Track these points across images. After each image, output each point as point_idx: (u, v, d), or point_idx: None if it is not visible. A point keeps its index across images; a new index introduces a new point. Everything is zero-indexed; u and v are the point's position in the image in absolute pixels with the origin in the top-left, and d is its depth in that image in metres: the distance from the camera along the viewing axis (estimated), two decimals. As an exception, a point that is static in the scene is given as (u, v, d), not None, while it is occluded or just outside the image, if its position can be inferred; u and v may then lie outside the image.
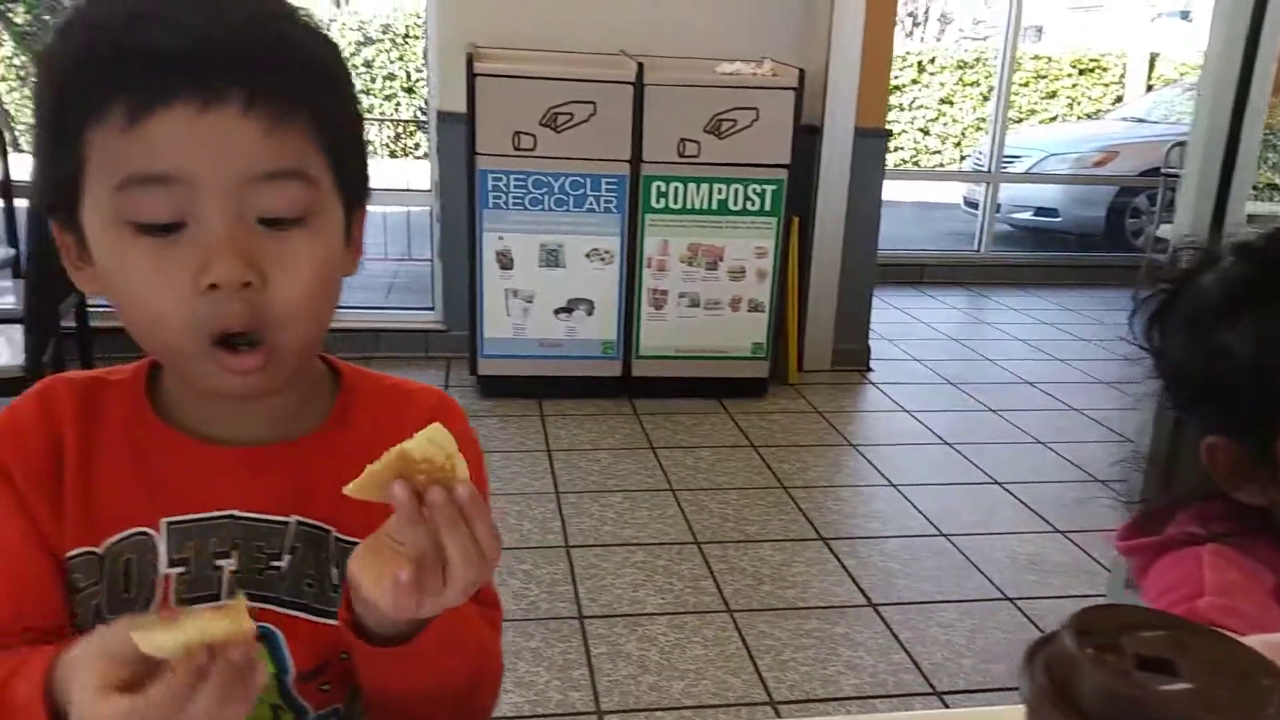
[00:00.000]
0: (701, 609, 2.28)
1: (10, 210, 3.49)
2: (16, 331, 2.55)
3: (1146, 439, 1.93)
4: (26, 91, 10.13)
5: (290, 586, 0.71)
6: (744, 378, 3.71)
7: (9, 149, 3.54)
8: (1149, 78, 10.93)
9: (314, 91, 0.64)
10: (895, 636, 2.21)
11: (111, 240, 0.62)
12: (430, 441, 0.57)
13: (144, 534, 0.70)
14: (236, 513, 0.71)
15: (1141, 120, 7.59)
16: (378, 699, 0.71)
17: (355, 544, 0.72)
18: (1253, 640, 0.47)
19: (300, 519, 0.72)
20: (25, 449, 0.69)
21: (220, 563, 0.71)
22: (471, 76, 3.28)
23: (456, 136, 3.53)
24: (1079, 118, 10.56)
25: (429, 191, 4.06)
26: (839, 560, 2.54)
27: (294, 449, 0.73)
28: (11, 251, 3.39)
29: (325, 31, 0.68)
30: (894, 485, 3.02)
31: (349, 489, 0.57)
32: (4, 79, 10.24)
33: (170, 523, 0.70)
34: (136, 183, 0.60)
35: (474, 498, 0.58)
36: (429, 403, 0.80)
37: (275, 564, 0.71)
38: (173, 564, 0.70)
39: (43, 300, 2.36)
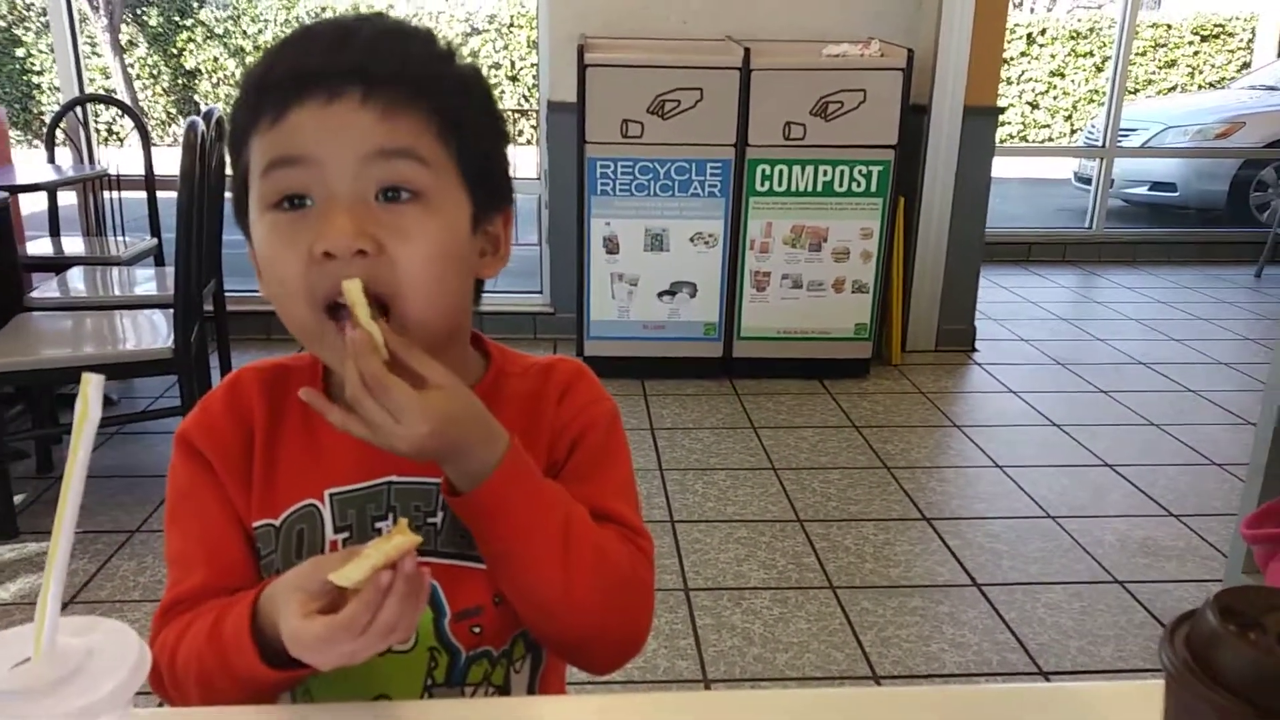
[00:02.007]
0: (804, 585, 2.34)
1: (153, 201, 3.76)
2: (162, 316, 2.78)
3: (1270, 423, 1.89)
4: (159, 88, 10.72)
5: (446, 538, 0.80)
6: (846, 359, 3.73)
7: (149, 144, 3.80)
8: (1280, 42, 10.31)
9: (431, 89, 0.73)
10: (1000, 616, 2.23)
11: (260, 224, 0.73)
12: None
13: (312, 505, 0.80)
14: (394, 478, 0.80)
15: (1271, 88, 7.19)
16: (513, 594, 0.78)
17: None
18: None
19: None
20: (219, 439, 0.81)
21: (380, 525, 0.80)
22: (582, 67, 3.38)
23: (565, 125, 3.63)
24: (1200, 87, 10.05)
25: (535, 179, 4.18)
26: (943, 540, 2.56)
27: None
28: (154, 241, 3.66)
29: (450, 46, 0.77)
30: (999, 466, 3.01)
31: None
32: (139, 77, 10.86)
33: (332, 494, 0.80)
34: (275, 165, 0.71)
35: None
36: (566, 372, 0.88)
37: (431, 520, 0.80)
38: (337, 530, 0.80)
39: (188, 286, 2.55)
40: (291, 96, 0.70)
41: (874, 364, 3.81)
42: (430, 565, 0.79)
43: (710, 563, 2.42)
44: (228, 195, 0.82)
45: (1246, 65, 10.10)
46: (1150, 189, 6.60)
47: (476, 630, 0.81)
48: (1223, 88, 9.32)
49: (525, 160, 5.92)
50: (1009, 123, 10.37)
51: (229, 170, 0.78)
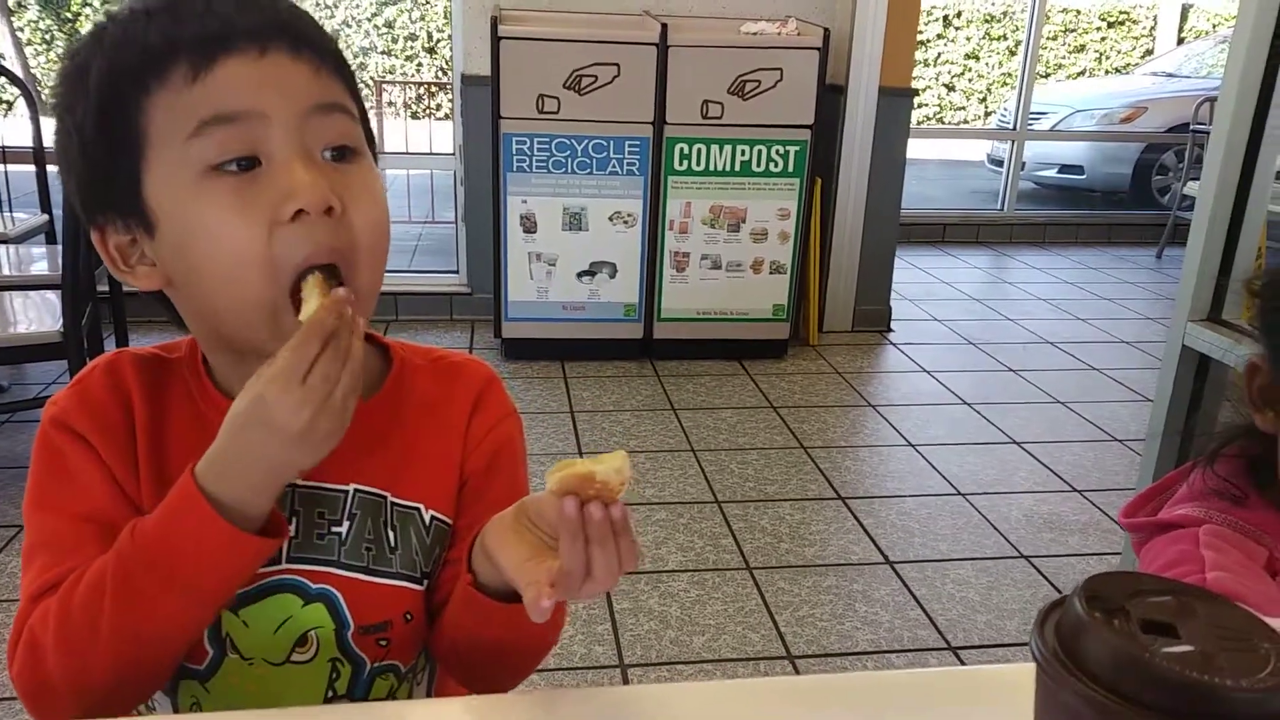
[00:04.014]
0: (722, 566, 2.34)
1: (43, 176, 3.56)
2: (54, 296, 2.63)
3: (1165, 399, 1.95)
4: (52, 56, 10.18)
5: (350, 550, 0.76)
6: (765, 339, 3.75)
7: (40, 114, 3.59)
8: (1180, 30, 10.69)
9: (333, 49, 0.70)
10: (911, 593, 2.27)
11: (187, 195, 0.65)
12: (614, 470, 0.63)
13: None
14: (298, 482, 0.75)
15: (1171, 75, 7.46)
16: (468, 643, 0.75)
17: (412, 508, 0.77)
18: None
19: (358, 486, 0.77)
20: (102, 420, 0.74)
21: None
22: (496, 40, 3.30)
23: (481, 100, 3.55)
24: (1107, 72, 10.37)
25: (452, 155, 4.09)
26: (857, 519, 2.59)
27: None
28: (45, 218, 3.46)
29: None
30: (912, 445, 3.06)
31: (552, 486, 0.63)
32: (30, 43, 10.29)
33: None
34: (210, 124, 0.64)
35: (625, 516, 0.64)
36: (478, 376, 0.84)
37: (336, 529, 0.76)
38: None
39: (79, 265, 2.42)
40: (217, 50, 0.64)
41: (792, 344, 3.84)
42: (334, 578, 0.75)
43: (627, 546, 2.41)
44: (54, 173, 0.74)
45: (1150, 52, 10.46)
46: (1059, 171, 6.79)
47: (384, 644, 0.78)
48: (1127, 73, 9.63)
49: (442, 135, 5.79)
50: (926, 105, 10.55)
51: (70, 154, 0.69)
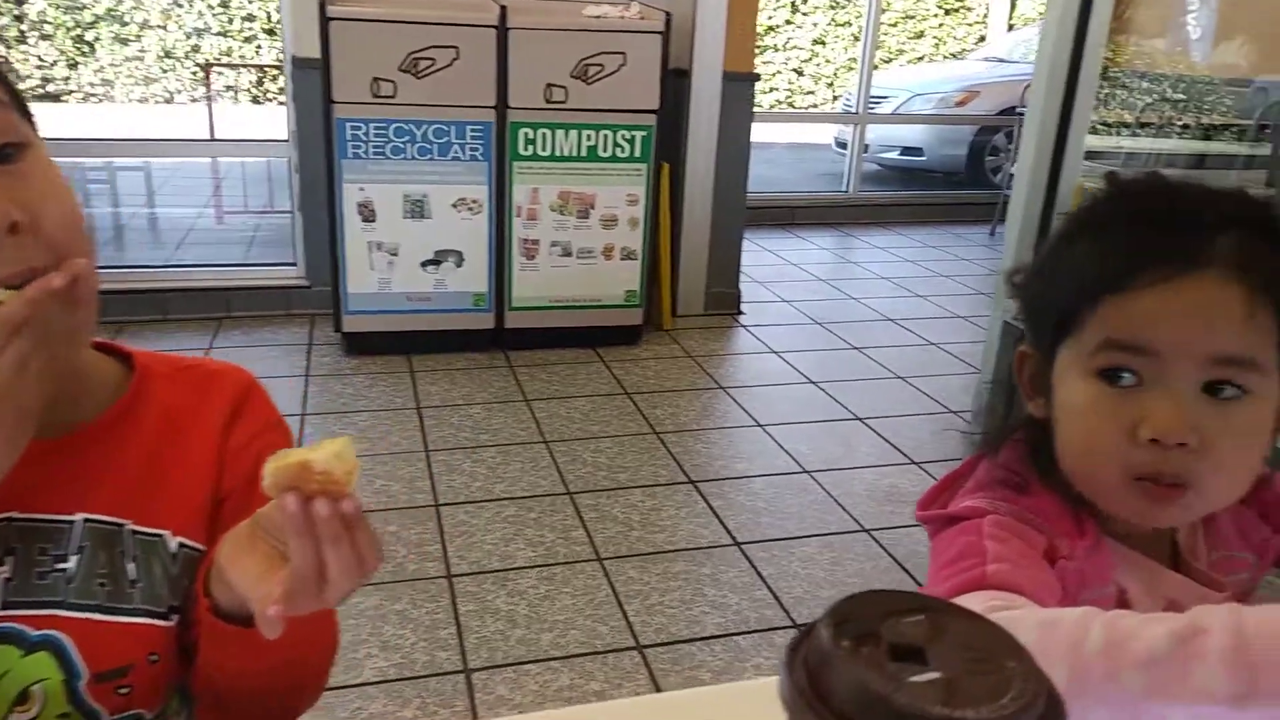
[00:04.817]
0: (572, 559, 2.31)
1: None
2: None
3: (989, 371, 2.03)
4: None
5: (80, 588, 0.68)
6: (618, 326, 3.73)
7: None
8: (1010, 17, 11.28)
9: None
10: (759, 573, 2.29)
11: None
12: (335, 456, 0.57)
13: None
14: (15, 515, 0.67)
15: (1002, 60, 7.84)
16: (221, 677, 0.70)
17: (155, 535, 0.70)
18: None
19: (88, 516, 0.69)
20: None
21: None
22: (325, 20, 3.14)
23: (314, 84, 3.37)
24: (945, 58, 10.84)
25: (285, 142, 3.89)
26: (707, 502, 2.61)
27: (74, 441, 0.70)
28: None
29: None
30: (761, 426, 3.11)
31: (267, 483, 0.57)
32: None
33: None
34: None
35: (358, 510, 0.58)
36: (236, 386, 0.78)
37: (61, 565, 0.68)
38: None
39: None
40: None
41: (646, 330, 3.84)
42: (60, 621, 0.67)
43: (476, 545, 2.35)
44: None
45: (983, 39, 11.00)
46: (901, 153, 7.04)
47: (124, 691, 0.70)
48: (962, 59, 10.09)
49: (276, 120, 5.52)
50: (776, 89, 10.77)
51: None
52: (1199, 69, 6.59)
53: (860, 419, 3.18)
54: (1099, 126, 6.23)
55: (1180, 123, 5.91)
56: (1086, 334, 0.68)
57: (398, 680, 1.88)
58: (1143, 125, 6.03)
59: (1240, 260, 0.65)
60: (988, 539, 0.68)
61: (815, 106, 10.90)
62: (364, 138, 3.29)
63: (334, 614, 0.75)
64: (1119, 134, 6.13)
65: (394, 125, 3.29)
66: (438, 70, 3.27)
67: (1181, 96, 6.27)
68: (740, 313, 4.21)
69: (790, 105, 10.92)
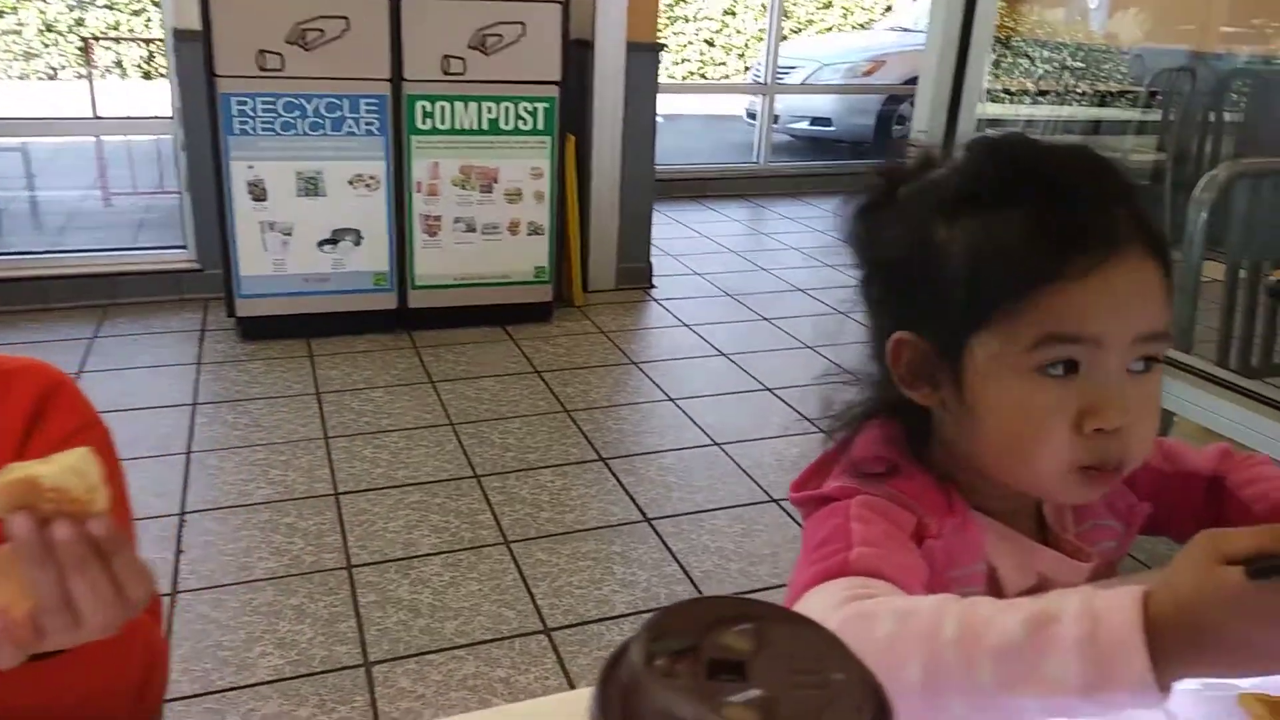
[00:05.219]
0: (478, 544, 2.25)
1: None
2: None
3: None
4: None
5: None
6: (528, 303, 3.66)
7: None
8: (915, -13, 11.42)
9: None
10: (669, 549, 2.27)
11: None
12: (71, 470, 0.49)
13: None
14: None
15: (908, 29, 7.93)
16: (8, 716, 0.63)
17: None
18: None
19: None
20: None
21: None
22: (201, -12, 2.98)
23: (197, 57, 3.20)
24: (852, 27, 10.93)
25: (170, 119, 3.69)
26: (618, 479, 2.58)
27: None
28: None
29: None
30: (672, 400, 3.09)
31: None
32: None
33: None
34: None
35: (110, 532, 0.51)
36: (36, 385, 0.70)
37: None
38: None
39: None
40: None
41: (557, 306, 3.77)
42: None
43: (378, 534, 2.27)
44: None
45: (890, 8, 11.11)
46: (810, 124, 7.08)
47: None
48: (869, 28, 10.18)
49: (159, 96, 5.26)
50: (688, 60, 10.72)
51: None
52: (1096, 37, 6.77)
53: (770, 390, 3.19)
54: (1001, 95, 6.36)
55: (1079, 90, 6.06)
56: (1020, 328, 0.64)
57: (294, 678, 1.81)
58: (1042, 93, 6.17)
59: (1144, 235, 0.65)
60: (854, 520, 0.66)
61: (727, 78, 10.89)
62: (251, 113, 3.14)
63: (149, 633, 0.68)
64: (1021, 102, 6.26)
65: (283, 99, 3.15)
66: (328, 41, 3.13)
67: (1080, 65, 6.43)
68: (652, 286, 4.17)
69: (702, 76, 10.89)
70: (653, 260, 4.23)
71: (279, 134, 3.17)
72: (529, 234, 3.56)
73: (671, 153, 6.44)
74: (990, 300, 0.65)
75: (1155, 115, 5.41)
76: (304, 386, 3.03)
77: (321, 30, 3.11)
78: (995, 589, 0.70)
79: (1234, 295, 1.88)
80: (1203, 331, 1.95)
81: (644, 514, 2.42)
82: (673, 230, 4.99)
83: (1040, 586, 0.71)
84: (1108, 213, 0.65)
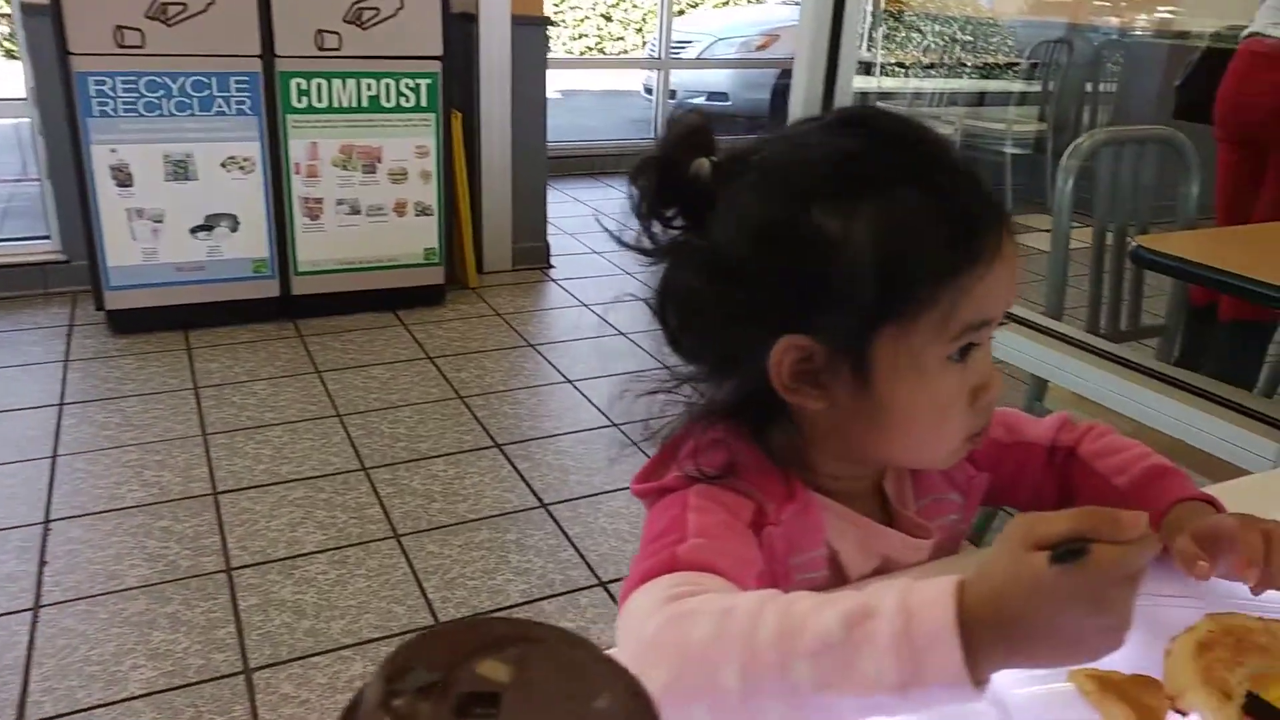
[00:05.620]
0: (366, 539, 2.18)
1: None
2: None
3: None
4: None
5: None
6: (419, 286, 3.56)
7: None
8: (809, -38, 11.50)
9: None
10: (565, 534, 2.24)
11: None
12: None
13: None
14: None
15: (800, 4, 7.98)
16: None
17: None
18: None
19: None
20: None
21: None
22: (45, -42, 2.78)
23: (49, 34, 2.99)
24: (747, 2, 10.96)
25: (24, 100, 3.45)
26: (513, 465, 2.53)
27: None
28: None
29: None
30: (570, 381, 3.05)
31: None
32: None
33: None
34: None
35: None
36: None
37: None
38: None
39: None
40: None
41: (451, 289, 3.68)
42: None
43: (259, 533, 2.18)
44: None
45: (784, -17, 11.18)
46: (707, 99, 7.07)
47: None
48: (761, 3, 10.23)
49: (11, 77, 4.93)
50: (586, 35, 10.60)
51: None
52: (984, 11, 6.93)
53: (668, 368, 3.16)
54: (894, 68, 6.46)
55: (965, 64, 6.19)
56: (934, 318, 0.60)
57: (168, 690, 1.71)
58: (930, 66, 6.28)
59: (1004, 210, 0.63)
60: (691, 511, 0.63)
61: (625, 53, 10.81)
62: (111, 93, 2.95)
63: None
64: (910, 75, 6.37)
65: (145, 78, 2.97)
66: (191, 16, 2.96)
67: (970, 38, 6.58)
68: (550, 266, 4.11)
69: (601, 51, 10.79)
70: (550, 240, 4.17)
71: (143, 115, 3.00)
72: (417, 215, 3.46)
73: (569, 129, 6.36)
74: (903, 295, 0.59)
75: (1037, 86, 5.57)
76: (181, 381, 2.88)
77: (184, 5, 2.94)
78: (838, 573, 0.69)
79: (1101, 261, 1.93)
80: (1074, 296, 2.00)
81: (540, 500, 2.38)
82: (571, 209, 4.93)
83: (883, 568, 0.70)
84: (983, 188, 0.63)
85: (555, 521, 2.29)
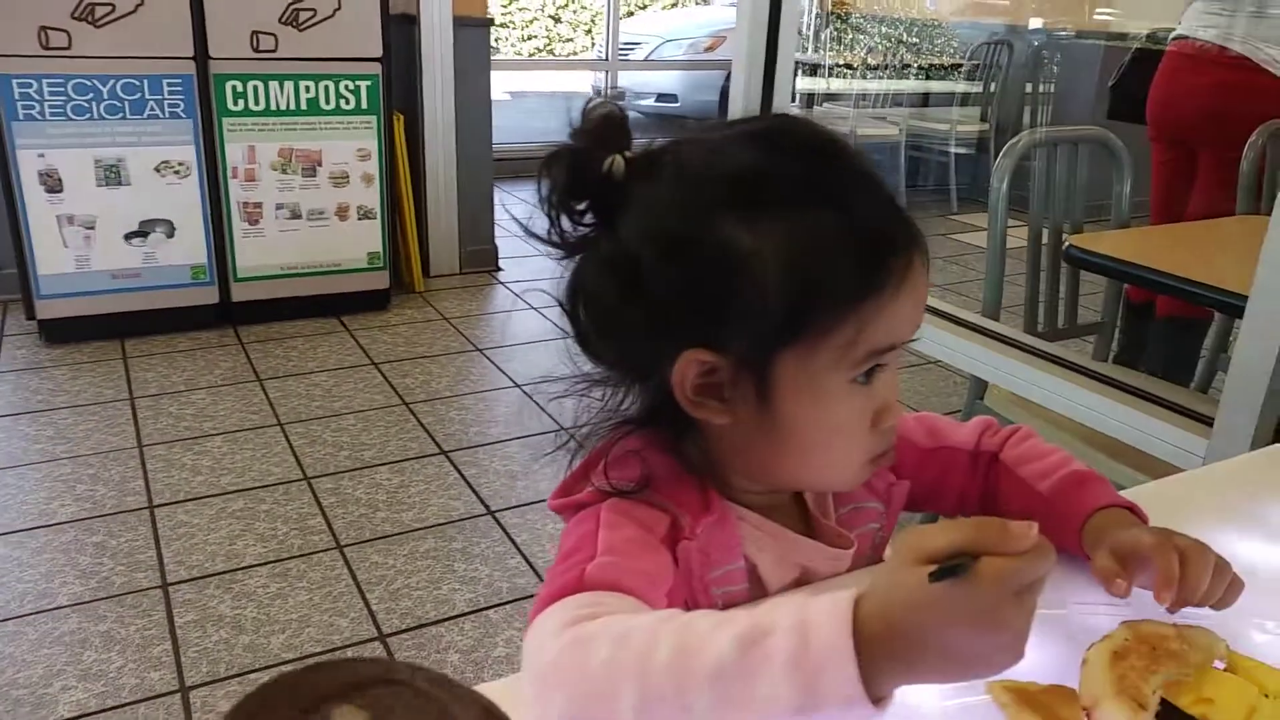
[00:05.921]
0: (308, 550, 2.14)
1: None
2: None
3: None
4: None
5: None
6: (364, 291, 3.51)
7: None
8: (756, -37, 11.57)
9: None
10: (513, 541, 2.22)
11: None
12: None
13: None
14: None
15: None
16: None
17: None
18: None
19: None
20: None
21: None
22: (-37, -43, 2.68)
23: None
24: (695, 3, 10.99)
25: (-54, 101, 3.33)
26: (460, 472, 2.50)
27: None
28: None
29: None
30: (518, 386, 3.02)
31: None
32: None
33: None
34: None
35: None
36: None
37: None
38: None
39: None
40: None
41: (397, 294, 3.64)
42: None
43: (197, 547, 2.12)
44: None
45: (732, -16, 11.23)
46: (656, 100, 7.09)
47: None
48: (710, 4, 10.26)
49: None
50: (535, 36, 10.55)
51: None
52: (928, 12, 7.02)
53: (583, 373, 3.15)
54: (841, 70, 6.52)
55: (913, 64, 6.27)
56: (838, 342, 0.58)
57: (99, 712, 1.66)
58: (875, 68, 6.35)
59: (916, 233, 0.61)
60: (603, 527, 0.62)
61: (574, 54, 10.78)
62: (37, 96, 2.86)
63: None
64: (856, 77, 6.43)
65: (73, 81, 2.89)
66: (119, 17, 2.88)
67: (915, 40, 6.66)
68: (499, 269, 4.08)
69: (550, 53, 10.74)
70: (499, 242, 4.13)
71: (72, 118, 2.91)
72: (359, 218, 3.40)
73: (518, 131, 6.32)
74: (808, 317, 0.58)
75: (979, 87, 5.66)
76: (116, 392, 2.80)
77: (112, 5, 2.86)
78: (757, 586, 0.68)
79: (1038, 259, 1.96)
80: (1014, 294, 2.03)
81: (487, 507, 2.35)
82: (519, 211, 4.87)
83: (803, 579, 0.69)
84: (896, 207, 0.61)
85: (502, 529, 2.27)
